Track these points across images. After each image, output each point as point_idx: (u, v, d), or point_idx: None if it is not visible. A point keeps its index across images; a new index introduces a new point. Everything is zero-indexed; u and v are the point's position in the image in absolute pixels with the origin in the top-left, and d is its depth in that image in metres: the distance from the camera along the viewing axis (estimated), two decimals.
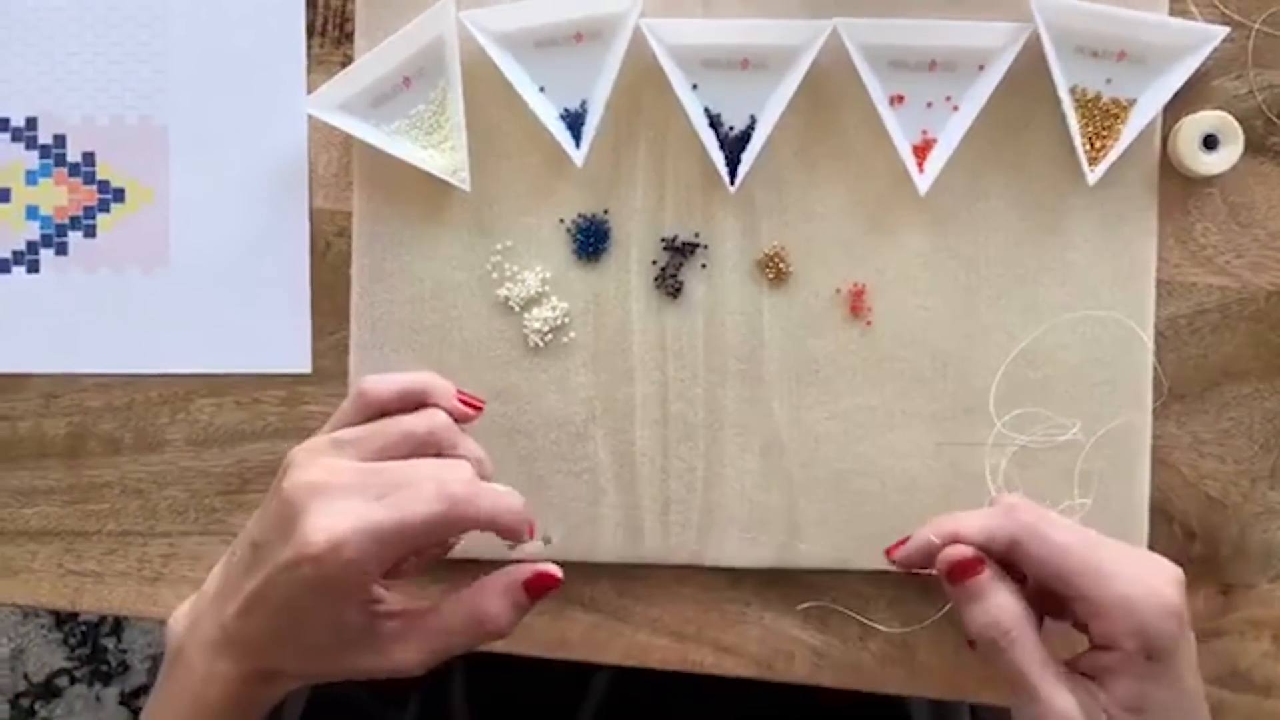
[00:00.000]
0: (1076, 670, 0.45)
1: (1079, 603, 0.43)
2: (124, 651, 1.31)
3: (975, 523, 0.45)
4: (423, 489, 0.42)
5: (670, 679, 0.58)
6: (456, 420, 0.48)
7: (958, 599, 0.45)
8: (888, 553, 0.49)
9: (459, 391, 0.49)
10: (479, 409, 0.49)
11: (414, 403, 0.47)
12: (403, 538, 0.42)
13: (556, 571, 0.46)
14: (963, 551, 0.45)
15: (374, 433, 0.46)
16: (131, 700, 1.31)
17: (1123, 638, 0.42)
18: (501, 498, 0.44)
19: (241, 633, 0.44)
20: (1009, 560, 0.45)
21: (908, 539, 0.48)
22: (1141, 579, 0.43)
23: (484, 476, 0.46)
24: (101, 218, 0.58)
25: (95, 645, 1.31)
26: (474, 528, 0.44)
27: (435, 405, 0.48)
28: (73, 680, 1.31)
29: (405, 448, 0.46)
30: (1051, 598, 0.46)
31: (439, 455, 0.47)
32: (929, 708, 0.67)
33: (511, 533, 0.44)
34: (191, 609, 0.47)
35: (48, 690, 1.31)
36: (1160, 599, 0.43)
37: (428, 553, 0.50)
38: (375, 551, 0.41)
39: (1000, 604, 0.44)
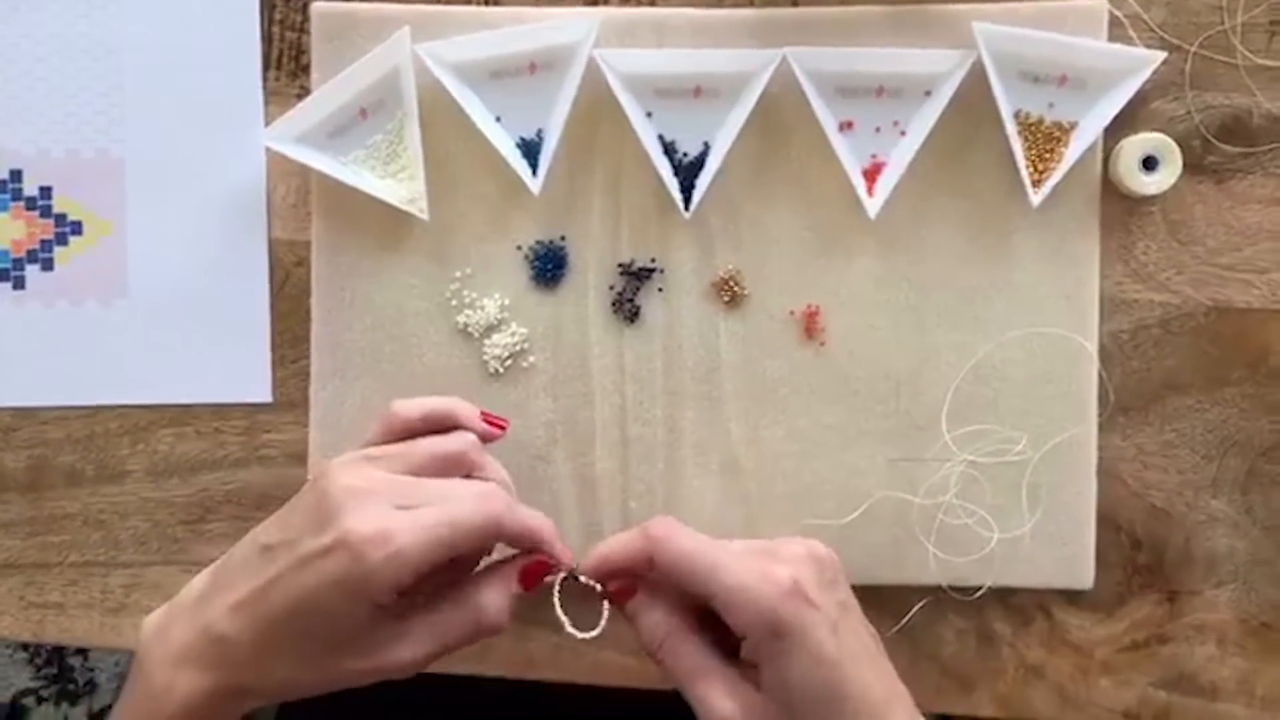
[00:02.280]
0: (745, 663, 0.45)
1: (711, 601, 0.45)
2: (91, 670, 1.30)
3: (617, 546, 0.47)
4: (465, 501, 0.44)
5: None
6: (482, 441, 0.49)
7: (631, 623, 0.48)
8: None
9: (483, 413, 0.50)
10: (503, 428, 0.51)
11: (440, 424, 0.49)
12: (452, 540, 0.43)
13: (546, 558, 0.47)
14: (616, 583, 0.48)
15: (406, 451, 0.47)
16: (99, 719, 1.30)
17: (747, 625, 0.44)
18: (537, 515, 0.46)
19: (227, 633, 0.43)
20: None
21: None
22: (754, 567, 0.44)
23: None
24: (59, 251, 0.58)
25: (62, 665, 1.30)
26: (513, 541, 0.46)
27: (462, 427, 0.49)
28: (39, 700, 1.30)
29: (435, 466, 0.47)
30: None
31: (468, 476, 0.48)
32: None
33: (549, 549, 0.46)
34: (164, 615, 0.46)
35: (14, 711, 1.30)
36: (769, 581, 0.44)
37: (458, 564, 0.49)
38: (423, 550, 0.42)
39: (651, 622, 0.47)
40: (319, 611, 0.42)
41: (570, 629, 0.48)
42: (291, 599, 0.42)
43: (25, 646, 1.30)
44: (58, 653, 1.30)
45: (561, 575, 0.48)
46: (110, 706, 1.28)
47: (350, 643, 0.43)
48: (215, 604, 0.44)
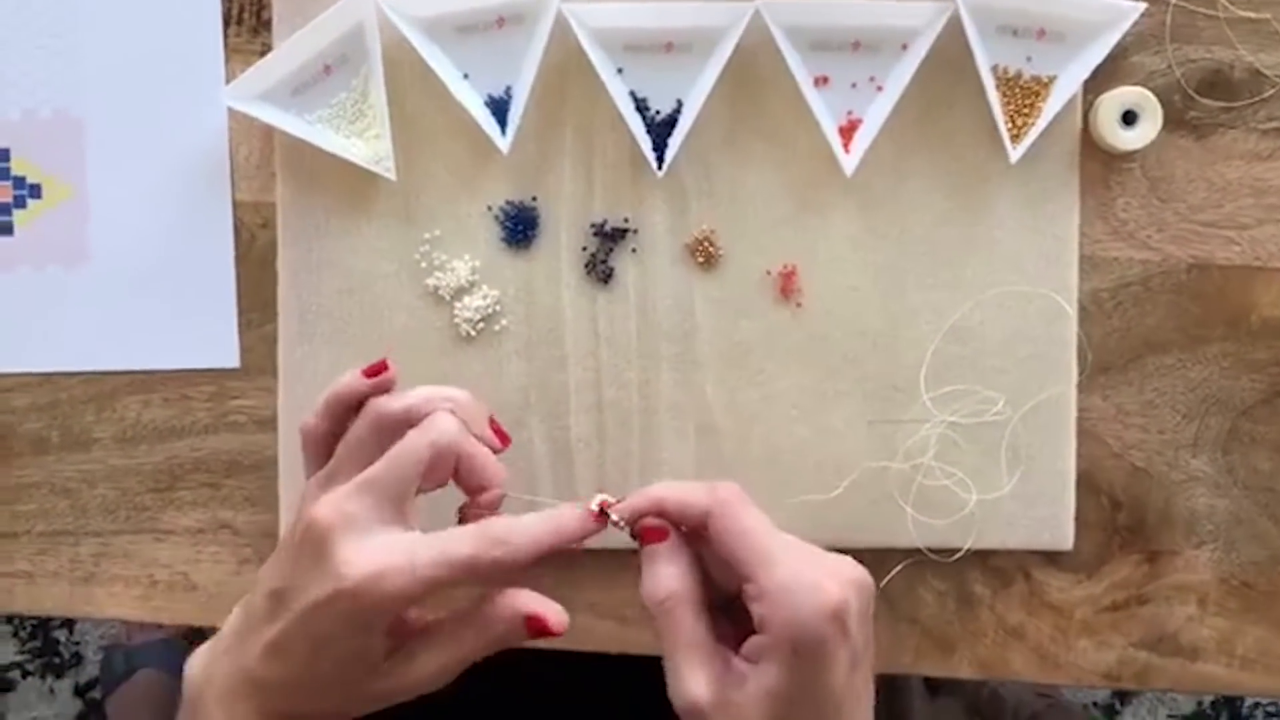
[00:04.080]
0: (740, 656, 0.44)
1: (748, 585, 0.43)
2: (76, 643, 1.30)
3: (678, 491, 0.45)
4: (464, 530, 0.44)
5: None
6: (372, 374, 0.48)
7: (642, 564, 0.46)
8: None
9: (362, 370, 0.48)
10: (385, 366, 0.48)
11: (347, 412, 0.48)
12: (444, 574, 0.43)
13: (557, 626, 0.45)
14: (653, 521, 0.45)
15: (342, 451, 0.47)
16: (85, 691, 1.30)
17: (774, 625, 0.42)
18: (532, 539, 0.44)
19: (265, 676, 0.44)
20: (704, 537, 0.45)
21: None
22: (806, 574, 0.42)
23: (473, 418, 0.47)
24: (19, 214, 0.57)
25: (47, 638, 1.30)
26: (514, 570, 0.44)
27: (353, 393, 0.48)
28: (25, 674, 1.30)
29: (375, 434, 0.46)
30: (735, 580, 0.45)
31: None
32: (876, 680, 0.68)
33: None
34: (208, 653, 0.47)
35: (1, 685, 1.30)
36: (819, 595, 0.41)
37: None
38: (415, 588, 0.42)
39: (667, 574, 0.44)
40: (337, 649, 0.43)
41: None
42: (310, 644, 0.43)
43: (9, 620, 1.30)
44: (43, 626, 1.30)
45: (598, 501, 0.46)
46: (97, 679, 1.29)
47: (376, 667, 0.44)
48: (248, 650, 0.45)
